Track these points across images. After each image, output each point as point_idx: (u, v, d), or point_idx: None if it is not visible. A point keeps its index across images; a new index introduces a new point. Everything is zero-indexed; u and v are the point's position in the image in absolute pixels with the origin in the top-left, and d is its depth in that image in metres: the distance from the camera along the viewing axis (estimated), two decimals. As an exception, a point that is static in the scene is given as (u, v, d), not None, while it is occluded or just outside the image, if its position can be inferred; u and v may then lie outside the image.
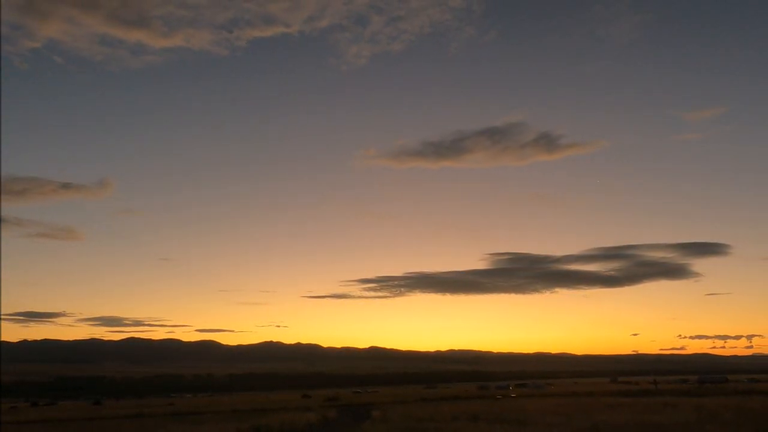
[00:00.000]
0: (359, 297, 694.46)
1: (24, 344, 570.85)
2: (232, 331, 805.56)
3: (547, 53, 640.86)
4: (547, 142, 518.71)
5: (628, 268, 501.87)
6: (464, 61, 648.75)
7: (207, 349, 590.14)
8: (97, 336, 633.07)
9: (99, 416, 67.05)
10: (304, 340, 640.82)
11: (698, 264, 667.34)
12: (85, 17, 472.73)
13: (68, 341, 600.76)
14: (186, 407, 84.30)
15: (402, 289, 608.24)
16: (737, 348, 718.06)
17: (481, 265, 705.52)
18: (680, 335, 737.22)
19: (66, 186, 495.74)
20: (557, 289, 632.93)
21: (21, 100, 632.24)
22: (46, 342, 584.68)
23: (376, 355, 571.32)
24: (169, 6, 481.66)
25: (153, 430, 42.95)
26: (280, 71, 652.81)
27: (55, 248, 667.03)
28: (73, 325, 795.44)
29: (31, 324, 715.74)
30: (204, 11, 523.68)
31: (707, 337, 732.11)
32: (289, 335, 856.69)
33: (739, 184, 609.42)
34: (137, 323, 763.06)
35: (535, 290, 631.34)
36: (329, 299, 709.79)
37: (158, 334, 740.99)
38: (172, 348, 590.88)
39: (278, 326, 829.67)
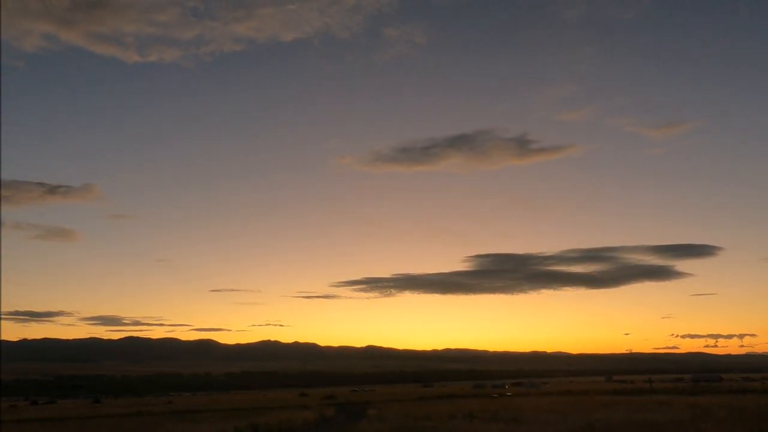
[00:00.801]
0: (349, 297, 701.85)
1: (24, 343, 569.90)
2: (230, 330, 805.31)
3: (520, 60, 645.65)
4: (520, 146, 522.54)
5: (614, 269, 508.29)
6: (436, 68, 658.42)
7: (205, 348, 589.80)
8: (96, 335, 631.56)
9: (98, 415, 66.90)
10: (302, 339, 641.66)
11: (683, 265, 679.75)
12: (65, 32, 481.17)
13: (68, 340, 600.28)
14: (185, 406, 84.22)
15: (392, 290, 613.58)
16: (729, 347, 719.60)
17: (465, 267, 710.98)
18: (673, 334, 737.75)
19: (53, 190, 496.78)
20: (543, 290, 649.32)
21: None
22: (45, 341, 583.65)
23: (372, 353, 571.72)
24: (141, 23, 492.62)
25: (152, 429, 42.87)
26: (257, 80, 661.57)
27: (52, 250, 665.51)
28: (72, 325, 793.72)
29: (31, 323, 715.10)
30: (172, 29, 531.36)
31: (700, 336, 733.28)
32: (287, 334, 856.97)
33: (715, 186, 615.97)
34: (136, 323, 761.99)
35: (522, 290, 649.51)
36: (322, 299, 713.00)
37: (157, 333, 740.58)
38: (170, 347, 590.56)
39: (274, 325, 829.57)
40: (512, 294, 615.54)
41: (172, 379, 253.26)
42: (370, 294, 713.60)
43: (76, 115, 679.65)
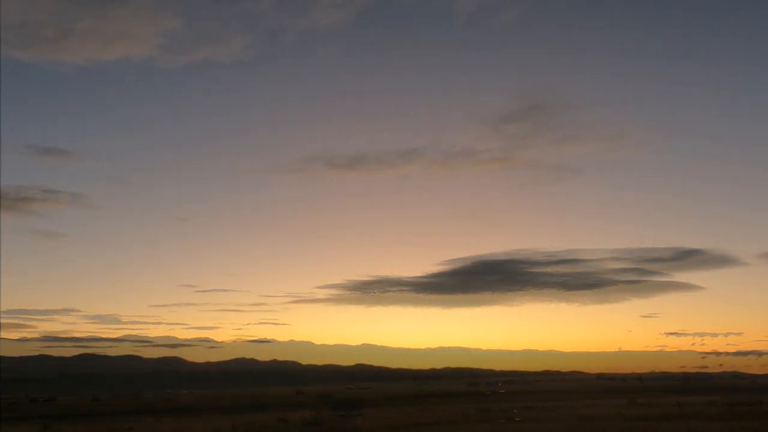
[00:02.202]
0: (329, 300, 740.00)
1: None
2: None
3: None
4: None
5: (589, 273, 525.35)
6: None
7: (171, 366, 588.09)
8: (44, 352, 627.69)
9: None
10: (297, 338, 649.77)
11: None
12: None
13: (12, 357, 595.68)
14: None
15: (375, 291, 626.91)
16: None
17: (440, 269, 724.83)
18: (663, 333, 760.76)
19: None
20: (524, 292, 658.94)
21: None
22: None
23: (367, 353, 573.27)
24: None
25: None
26: (221, 92, 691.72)
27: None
28: (17, 339, 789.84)
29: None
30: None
31: (686, 334, 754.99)
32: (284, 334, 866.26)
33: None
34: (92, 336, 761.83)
35: (502, 293, 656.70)
36: (315, 302, 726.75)
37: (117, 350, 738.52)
38: (132, 365, 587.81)
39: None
40: (494, 296, 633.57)
41: (132, 402, 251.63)
42: (353, 296, 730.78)
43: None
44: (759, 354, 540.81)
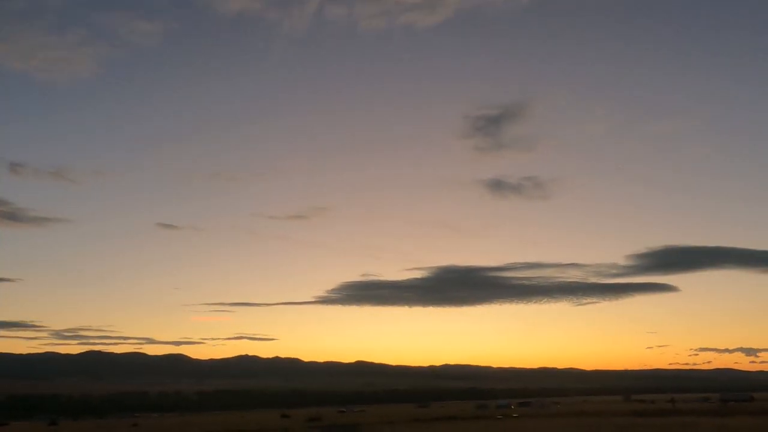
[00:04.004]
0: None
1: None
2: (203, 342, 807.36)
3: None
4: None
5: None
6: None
7: (175, 364, 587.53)
8: (52, 349, 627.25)
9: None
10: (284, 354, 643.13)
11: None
12: None
13: (20, 355, 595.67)
14: (151, 428, 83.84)
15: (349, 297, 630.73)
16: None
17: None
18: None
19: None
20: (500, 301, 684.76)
21: None
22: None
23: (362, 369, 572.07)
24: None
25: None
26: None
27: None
28: (25, 338, 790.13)
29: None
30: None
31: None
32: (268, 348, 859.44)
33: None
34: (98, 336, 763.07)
35: (477, 302, 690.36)
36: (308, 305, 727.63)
37: (122, 347, 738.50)
38: (137, 362, 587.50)
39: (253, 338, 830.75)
40: (470, 306, 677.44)
41: (137, 399, 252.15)
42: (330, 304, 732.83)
43: None
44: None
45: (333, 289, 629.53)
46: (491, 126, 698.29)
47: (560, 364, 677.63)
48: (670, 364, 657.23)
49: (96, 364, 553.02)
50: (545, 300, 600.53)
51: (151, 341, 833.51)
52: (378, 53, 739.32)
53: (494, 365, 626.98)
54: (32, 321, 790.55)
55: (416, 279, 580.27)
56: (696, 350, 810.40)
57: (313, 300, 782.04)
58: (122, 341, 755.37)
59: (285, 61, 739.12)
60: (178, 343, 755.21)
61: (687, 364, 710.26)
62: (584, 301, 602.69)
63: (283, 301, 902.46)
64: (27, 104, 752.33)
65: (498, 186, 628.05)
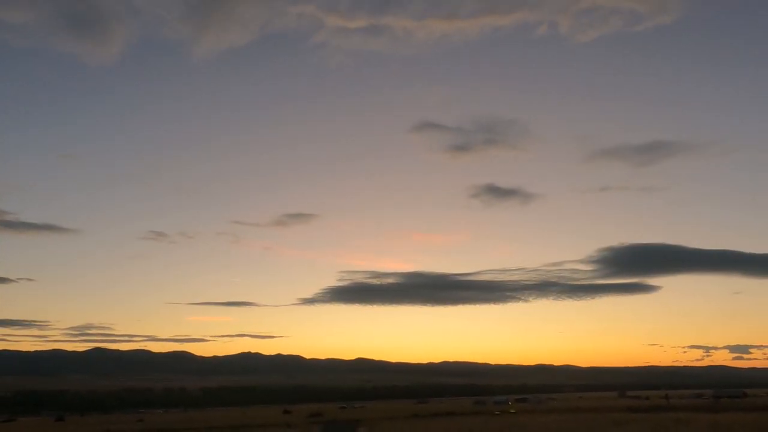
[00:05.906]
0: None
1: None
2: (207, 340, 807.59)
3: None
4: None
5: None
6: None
7: (179, 361, 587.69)
8: (59, 347, 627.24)
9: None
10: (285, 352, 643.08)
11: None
12: None
13: (28, 352, 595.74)
14: (157, 424, 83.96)
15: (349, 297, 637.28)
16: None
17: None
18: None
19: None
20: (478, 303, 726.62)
21: None
22: (3, 353, 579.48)
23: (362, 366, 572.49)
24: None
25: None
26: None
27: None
28: (33, 336, 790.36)
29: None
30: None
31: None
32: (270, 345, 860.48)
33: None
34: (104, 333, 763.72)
35: (452, 302, 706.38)
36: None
37: (127, 345, 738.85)
38: (142, 359, 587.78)
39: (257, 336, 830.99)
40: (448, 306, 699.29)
41: (142, 395, 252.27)
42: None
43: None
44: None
45: (333, 289, 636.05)
46: (470, 136, 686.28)
47: (556, 361, 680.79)
48: (661, 361, 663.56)
49: (102, 362, 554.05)
50: (540, 298, 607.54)
51: (155, 339, 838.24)
52: (357, 60, 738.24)
53: (492, 362, 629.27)
54: (41, 320, 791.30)
55: (405, 282, 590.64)
56: (685, 348, 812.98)
57: (299, 302, 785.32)
58: (127, 339, 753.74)
59: (268, 69, 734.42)
60: (182, 341, 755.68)
61: (677, 361, 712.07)
62: (578, 299, 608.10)
63: (283, 302, 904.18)
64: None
65: (487, 191, 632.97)
